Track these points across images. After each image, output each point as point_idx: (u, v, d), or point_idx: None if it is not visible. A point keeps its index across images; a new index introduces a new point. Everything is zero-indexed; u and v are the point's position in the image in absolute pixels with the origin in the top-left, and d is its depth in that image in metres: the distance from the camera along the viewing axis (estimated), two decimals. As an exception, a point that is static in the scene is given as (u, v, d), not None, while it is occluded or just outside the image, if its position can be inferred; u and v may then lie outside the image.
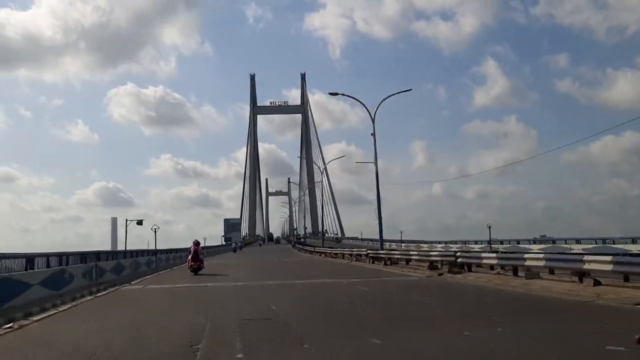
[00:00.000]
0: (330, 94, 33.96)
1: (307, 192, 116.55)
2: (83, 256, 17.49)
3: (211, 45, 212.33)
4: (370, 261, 27.28)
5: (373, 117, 27.95)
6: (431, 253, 22.99)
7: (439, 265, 19.28)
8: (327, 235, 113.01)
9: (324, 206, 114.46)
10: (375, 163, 27.69)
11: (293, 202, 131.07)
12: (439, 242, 51.40)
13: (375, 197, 27.79)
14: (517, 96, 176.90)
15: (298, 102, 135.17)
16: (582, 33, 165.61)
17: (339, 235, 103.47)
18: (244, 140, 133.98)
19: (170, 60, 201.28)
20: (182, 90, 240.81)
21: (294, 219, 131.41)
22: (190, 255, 23.50)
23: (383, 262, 25.36)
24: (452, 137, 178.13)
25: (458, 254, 19.26)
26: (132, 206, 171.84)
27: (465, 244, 47.47)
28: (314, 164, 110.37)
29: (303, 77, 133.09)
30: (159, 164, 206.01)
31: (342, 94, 30.65)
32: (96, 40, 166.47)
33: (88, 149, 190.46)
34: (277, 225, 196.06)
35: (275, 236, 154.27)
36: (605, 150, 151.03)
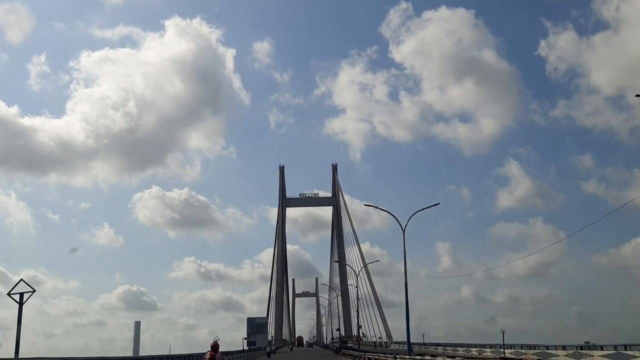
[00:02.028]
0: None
1: (338, 291, 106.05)
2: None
3: (235, 149, 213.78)
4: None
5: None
6: None
7: None
8: (366, 339, 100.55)
9: (361, 307, 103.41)
10: None
11: (329, 302, 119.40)
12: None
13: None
14: (542, 197, 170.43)
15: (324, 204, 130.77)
16: (605, 134, 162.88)
17: (382, 339, 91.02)
18: (268, 242, 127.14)
19: (196, 164, 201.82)
20: (206, 192, 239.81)
21: (328, 321, 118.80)
22: None
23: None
24: (478, 239, 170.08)
25: None
26: (156, 310, 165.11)
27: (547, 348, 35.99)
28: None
29: (335, 168, 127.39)
30: (182, 267, 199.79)
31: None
32: (125, 145, 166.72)
33: (113, 252, 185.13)
34: (302, 329, 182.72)
35: (305, 340, 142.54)
36: (637, 252, 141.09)
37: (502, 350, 38.03)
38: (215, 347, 16.31)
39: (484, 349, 43.01)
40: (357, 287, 66.49)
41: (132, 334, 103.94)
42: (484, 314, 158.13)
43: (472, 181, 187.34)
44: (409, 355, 31.98)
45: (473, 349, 45.40)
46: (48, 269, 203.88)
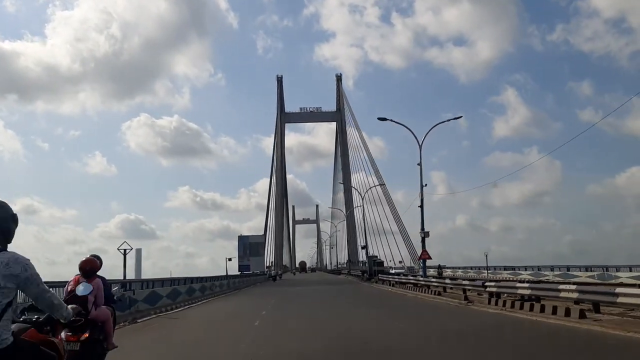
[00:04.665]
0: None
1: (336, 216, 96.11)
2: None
3: (223, 76, 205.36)
4: None
5: None
6: None
7: None
8: (384, 264, 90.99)
9: (373, 234, 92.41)
10: None
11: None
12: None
13: None
14: (538, 126, 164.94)
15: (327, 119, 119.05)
16: (603, 60, 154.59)
17: (405, 265, 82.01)
18: (263, 172, 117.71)
19: (184, 91, 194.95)
20: (197, 121, 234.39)
21: (332, 249, 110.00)
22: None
23: None
24: (473, 168, 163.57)
25: None
26: (155, 238, 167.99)
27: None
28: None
29: (339, 78, 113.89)
30: (177, 196, 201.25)
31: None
32: (112, 70, 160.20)
33: (107, 181, 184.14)
34: (301, 257, 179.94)
35: (308, 266, 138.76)
36: (632, 181, 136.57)
37: None
38: (86, 267, 6.70)
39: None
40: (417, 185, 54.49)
41: (133, 261, 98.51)
42: (479, 242, 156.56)
43: (467, 109, 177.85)
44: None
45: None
46: (43, 198, 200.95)
